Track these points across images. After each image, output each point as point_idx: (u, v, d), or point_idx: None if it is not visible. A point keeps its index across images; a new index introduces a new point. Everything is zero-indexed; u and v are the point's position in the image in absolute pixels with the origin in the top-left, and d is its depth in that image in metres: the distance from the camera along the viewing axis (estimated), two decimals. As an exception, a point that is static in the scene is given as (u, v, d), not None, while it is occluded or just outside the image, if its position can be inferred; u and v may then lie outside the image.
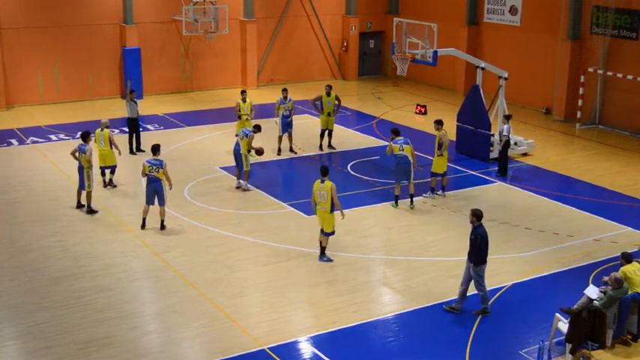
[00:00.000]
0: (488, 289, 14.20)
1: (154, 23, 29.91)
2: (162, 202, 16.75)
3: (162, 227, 16.83)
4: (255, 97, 22.05)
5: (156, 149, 16.91)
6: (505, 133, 20.50)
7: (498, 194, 19.72)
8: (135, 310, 13.43)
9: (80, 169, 17.56)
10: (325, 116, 22.62)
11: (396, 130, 18.40)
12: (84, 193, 17.73)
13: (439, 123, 18.85)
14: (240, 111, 22.05)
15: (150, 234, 16.59)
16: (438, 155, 18.71)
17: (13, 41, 27.57)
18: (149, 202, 16.80)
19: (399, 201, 18.38)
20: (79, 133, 18.55)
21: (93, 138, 18.37)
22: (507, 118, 20.82)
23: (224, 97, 30.23)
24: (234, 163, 19.50)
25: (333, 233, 15.26)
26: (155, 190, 16.67)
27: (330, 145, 23.11)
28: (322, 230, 15.22)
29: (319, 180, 15.05)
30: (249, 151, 19.07)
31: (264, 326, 12.84)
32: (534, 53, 28.43)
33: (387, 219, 17.76)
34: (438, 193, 19.08)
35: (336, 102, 22.60)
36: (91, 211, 17.72)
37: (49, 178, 20.18)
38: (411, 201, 18.28)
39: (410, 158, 17.86)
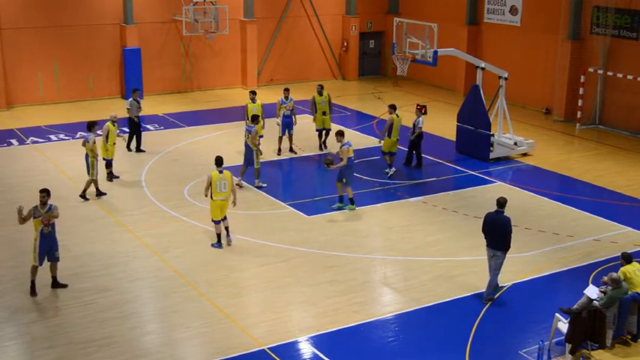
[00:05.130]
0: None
1: (154, 23, 29.90)
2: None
3: (62, 285, 14.15)
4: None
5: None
6: (420, 125, 21.09)
7: (498, 194, 19.62)
8: (135, 310, 13.44)
9: (86, 157, 18.60)
10: (320, 115, 22.63)
11: (342, 132, 18.40)
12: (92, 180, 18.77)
13: (392, 107, 20.49)
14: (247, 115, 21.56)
15: (150, 234, 16.59)
16: (387, 137, 20.35)
17: (13, 41, 27.56)
18: (41, 262, 13.82)
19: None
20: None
21: (100, 129, 19.24)
22: (420, 109, 21.49)
23: (224, 97, 30.25)
24: (234, 163, 19.48)
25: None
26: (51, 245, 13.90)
27: (325, 146, 23.05)
28: (223, 218, 15.81)
29: (217, 171, 15.50)
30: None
31: (264, 326, 12.84)
32: (534, 53, 28.43)
33: (387, 219, 17.76)
34: (390, 170, 20.51)
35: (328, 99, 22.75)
36: (100, 194, 18.81)
37: (49, 178, 20.14)
38: (352, 202, 18.17)
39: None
